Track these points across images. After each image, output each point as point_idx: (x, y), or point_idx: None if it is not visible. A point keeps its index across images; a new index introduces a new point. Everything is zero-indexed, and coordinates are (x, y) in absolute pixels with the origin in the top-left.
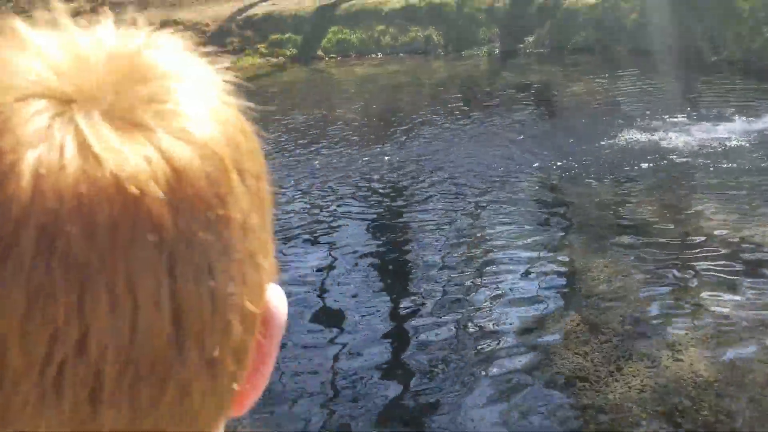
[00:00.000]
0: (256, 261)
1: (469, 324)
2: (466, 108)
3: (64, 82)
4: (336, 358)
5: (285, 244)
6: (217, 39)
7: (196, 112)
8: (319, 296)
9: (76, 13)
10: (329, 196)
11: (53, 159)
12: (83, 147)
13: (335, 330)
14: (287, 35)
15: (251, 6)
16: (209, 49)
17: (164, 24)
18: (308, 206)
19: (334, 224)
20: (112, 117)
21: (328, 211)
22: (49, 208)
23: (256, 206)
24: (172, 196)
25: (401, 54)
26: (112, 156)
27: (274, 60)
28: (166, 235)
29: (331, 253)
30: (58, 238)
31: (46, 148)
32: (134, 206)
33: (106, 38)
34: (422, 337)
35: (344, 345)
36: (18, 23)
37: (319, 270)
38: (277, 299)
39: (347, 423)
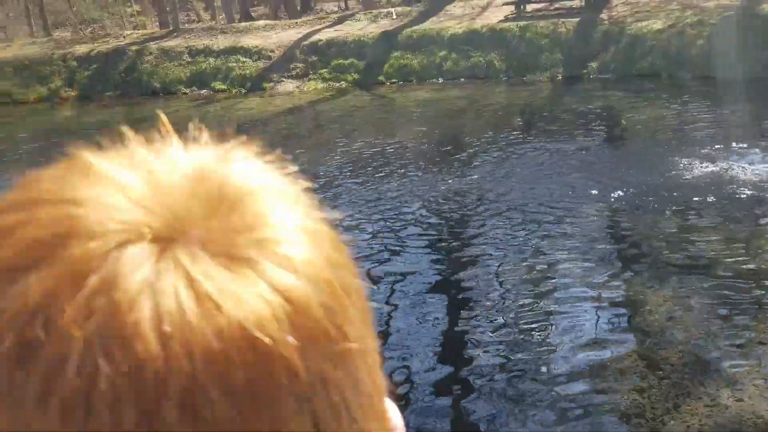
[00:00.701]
0: (378, 384)
1: (526, 354)
2: (527, 134)
3: (154, 219)
4: (394, 381)
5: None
6: (282, 64)
7: (294, 236)
8: (379, 322)
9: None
10: (389, 222)
11: (172, 311)
12: (198, 294)
13: (395, 354)
14: (350, 60)
15: (315, 32)
16: (274, 74)
17: (231, 50)
18: (368, 233)
19: (393, 250)
20: (214, 253)
21: (387, 238)
22: (185, 371)
23: (366, 325)
24: (297, 335)
25: (462, 79)
26: (229, 300)
27: (337, 85)
28: (302, 379)
29: (391, 279)
30: (200, 402)
31: (162, 299)
32: (267, 357)
33: (180, 160)
34: (479, 364)
35: (403, 368)
36: (89, 155)
37: (377, 296)
38: (396, 417)
39: None
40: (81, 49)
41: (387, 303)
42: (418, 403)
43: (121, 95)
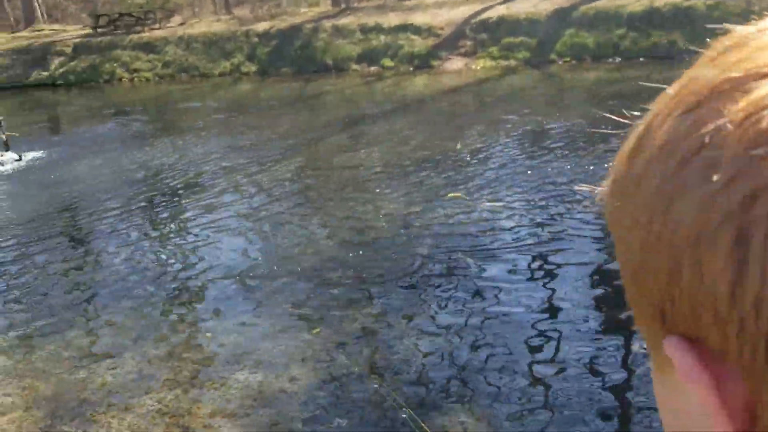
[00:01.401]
0: None
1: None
2: None
3: None
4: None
5: (489, 258)
6: (450, 42)
7: None
8: (541, 304)
9: None
10: (553, 205)
11: None
12: None
13: (544, 355)
14: (520, 38)
15: (486, 9)
16: (442, 51)
17: (401, 28)
18: (531, 215)
19: (556, 234)
20: None
21: (552, 222)
22: None
23: None
24: None
25: (641, 59)
26: None
27: (506, 63)
28: None
29: (554, 263)
30: None
31: None
32: None
33: None
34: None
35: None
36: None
37: (537, 276)
38: None
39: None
40: (261, 26)
41: (548, 286)
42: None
43: (297, 71)
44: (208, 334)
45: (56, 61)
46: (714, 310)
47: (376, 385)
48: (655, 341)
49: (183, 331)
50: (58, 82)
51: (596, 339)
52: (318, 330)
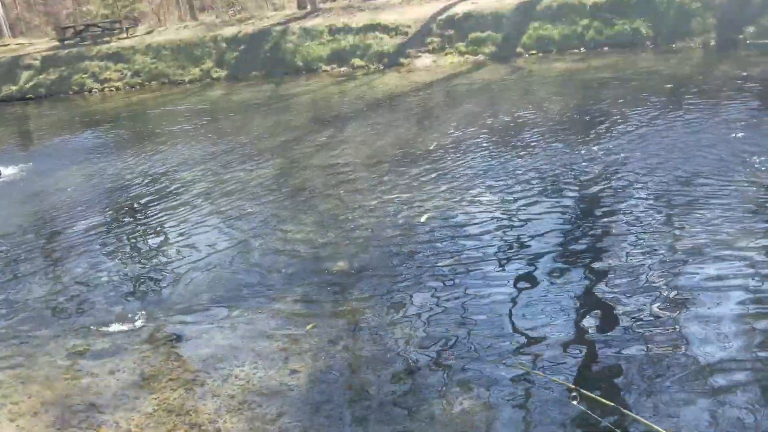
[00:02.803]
0: None
1: (660, 336)
2: (676, 104)
3: None
4: (523, 352)
5: (474, 240)
6: (418, 39)
7: None
8: (510, 293)
9: None
10: (525, 194)
11: None
12: None
13: (520, 336)
14: (486, 33)
15: (451, 5)
16: (411, 49)
17: (369, 27)
18: (501, 204)
19: (526, 221)
20: None
21: (521, 210)
22: None
23: None
24: None
25: (606, 48)
26: None
27: (474, 58)
28: None
29: (521, 251)
30: None
31: None
32: None
33: None
34: (612, 351)
35: (537, 339)
36: None
37: (510, 266)
38: None
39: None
40: (229, 30)
41: (518, 275)
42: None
43: (267, 74)
44: (205, 334)
45: (25, 75)
46: None
47: (373, 376)
48: None
49: (179, 331)
50: (28, 95)
51: (573, 313)
52: (313, 325)
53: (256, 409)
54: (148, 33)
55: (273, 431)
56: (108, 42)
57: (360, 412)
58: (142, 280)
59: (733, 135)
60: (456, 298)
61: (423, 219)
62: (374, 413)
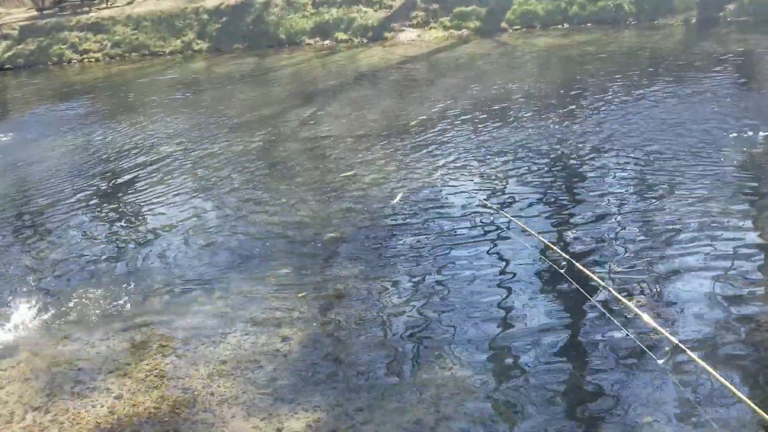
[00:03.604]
0: None
1: (646, 306)
2: (658, 79)
3: None
4: (500, 335)
5: (453, 220)
6: (402, 13)
7: None
8: (490, 267)
9: None
10: (508, 169)
11: None
12: None
13: (504, 313)
14: (471, 7)
15: None
16: (395, 23)
17: (353, 0)
18: (481, 178)
19: (509, 195)
20: None
21: (503, 184)
22: None
23: None
24: None
25: (589, 24)
26: None
27: (458, 33)
28: None
29: (500, 224)
30: None
31: None
32: None
33: None
34: (594, 327)
35: (514, 317)
36: None
37: (486, 237)
38: None
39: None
40: (211, 2)
41: (493, 250)
42: (534, 365)
43: (249, 46)
44: (194, 304)
45: (2, 45)
46: None
47: (364, 340)
48: None
49: (169, 299)
50: (6, 66)
51: (549, 294)
52: (304, 294)
53: (248, 374)
54: (129, 3)
55: (265, 396)
56: (87, 12)
57: (351, 377)
58: (126, 252)
59: (713, 110)
60: (436, 271)
61: (397, 199)
62: (365, 378)
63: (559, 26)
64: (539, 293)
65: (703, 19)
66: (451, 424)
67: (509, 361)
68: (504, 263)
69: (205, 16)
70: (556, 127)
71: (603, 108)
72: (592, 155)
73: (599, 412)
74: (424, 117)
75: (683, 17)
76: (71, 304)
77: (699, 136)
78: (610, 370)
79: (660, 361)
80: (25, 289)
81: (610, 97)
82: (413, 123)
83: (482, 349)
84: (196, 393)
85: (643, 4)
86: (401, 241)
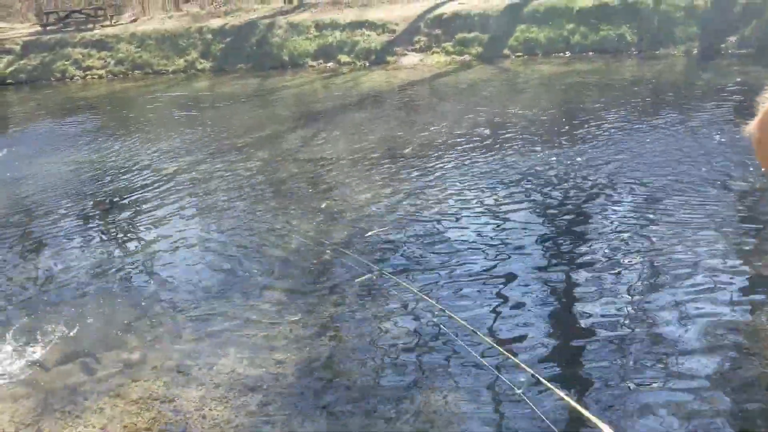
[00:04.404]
0: None
1: (645, 338)
2: (658, 110)
3: None
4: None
5: (450, 246)
6: (405, 38)
7: None
8: (489, 296)
9: None
10: (503, 197)
11: None
12: None
13: (502, 331)
14: (474, 34)
15: (439, 5)
16: (398, 47)
17: (356, 24)
18: (484, 209)
19: (505, 226)
20: None
21: (500, 214)
22: None
23: None
24: None
25: (591, 53)
26: None
27: (460, 58)
28: None
29: (501, 252)
30: None
31: None
32: None
33: None
34: (592, 350)
35: (520, 342)
36: None
37: (487, 267)
38: None
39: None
40: (215, 22)
41: (497, 277)
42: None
43: (253, 67)
44: (188, 325)
45: (5, 60)
46: None
47: (359, 366)
48: None
49: (162, 322)
50: (8, 81)
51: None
52: (299, 317)
53: (242, 398)
54: (133, 21)
55: (258, 420)
56: (92, 29)
57: (345, 403)
58: (120, 272)
59: (713, 144)
60: (437, 290)
61: (372, 233)
62: (359, 404)
63: (561, 54)
64: (546, 314)
65: (705, 49)
66: None
67: (506, 389)
68: (509, 294)
69: (209, 36)
70: (556, 158)
71: (604, 137)
72: (593, 188)
73: None
74: (424, 142)
75: (685, 48)
76: (64, 324)
77: (695, 174)
78: None
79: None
80: (17, 308)
81: (611, 126)
82: (412, 147)
83: (481, 379)
84: (188, 416)
85: (644, 34)
86: (398, 265)
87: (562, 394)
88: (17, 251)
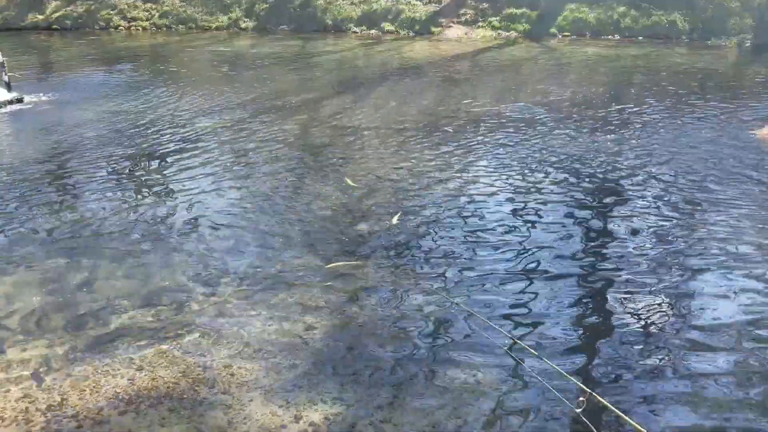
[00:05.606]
0: None
1: (677, 325)
2: (704, 100)
3: None
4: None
5: (485, 230)
6: (451, 9)
7: None
8: (517, 282)
9: None
10: (537, 179)
11: None
12: None
13: (534, 317)
14: (522, 10)
15: None
16: (443, 18)
17: None
18: (515, 187)
19: (536, 209)
20: None
21: (534, 195)
22: None
23: None
24: None
25: (640, 38)
26: None
27: (506, 34)
28: None
29: (531, 235)
30: None
31: None
32: None
33: None
34: (619, 336)
35: (540, 331)
36: None
37: (514, 250)
38: None
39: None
40: None
41: (526, 258)
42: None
43: (295, 29)
44: (220, 285)
45: (52, 5)
46: None
47: (388, 336)
48: None
49: (195, 279)
50: (54, 26)
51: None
52: (330, 283)
53: (270, 360)
54: None
55: (285, 383)
56: None
57: (374, 372)
58: (151, 231)
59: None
60: (464, 270)
61: (395, 219)
62: (384, 376)
63: (610, 37)
64: (563, 295)
65: (758, 43)
66: (470, 431)
67: (529, 373)
68: (533, 280)
69: None
70: (586, 140)
71: (646, 126)
72: (629, 174)
73: None
74: (461, 116)
75: (737, 39)
76: (98, 273)
77: (736, 167)
78: None
79: None
80: (53, 248)
81: (655, 114)
82: (450, 121)
83: (503, 354)
84: (216, 373)
85: (696, 23)
86: (430, 240)
87: (609, 404)
88: (48, 199)
